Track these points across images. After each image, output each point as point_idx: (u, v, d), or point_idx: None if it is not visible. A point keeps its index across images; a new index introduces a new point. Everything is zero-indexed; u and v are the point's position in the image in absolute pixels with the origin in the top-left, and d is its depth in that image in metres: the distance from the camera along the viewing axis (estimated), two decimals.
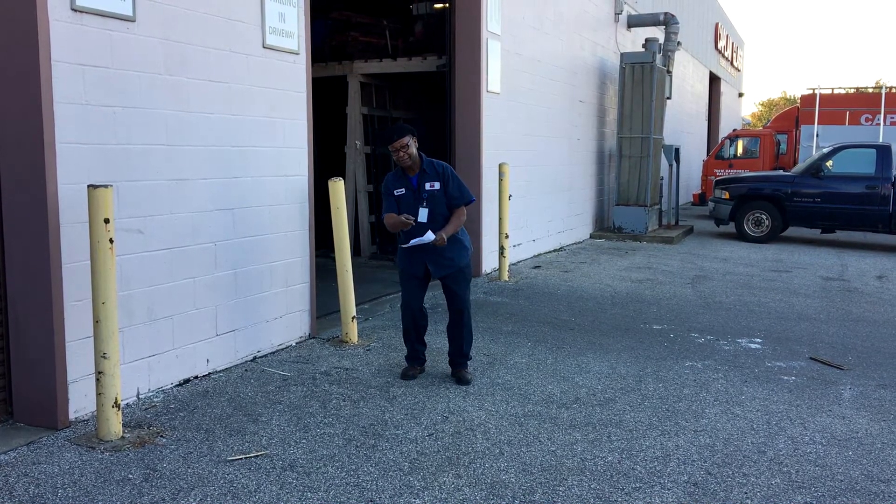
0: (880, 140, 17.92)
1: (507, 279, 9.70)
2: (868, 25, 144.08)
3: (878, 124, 20.36)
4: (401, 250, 5.59)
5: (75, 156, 4.49)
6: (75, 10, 4.45)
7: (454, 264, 5.48)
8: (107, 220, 4.19)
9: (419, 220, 5.35)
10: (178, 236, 5.24)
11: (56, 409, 4.47)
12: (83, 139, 4.53)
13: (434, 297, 8.08)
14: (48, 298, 4.39)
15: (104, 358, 4.26)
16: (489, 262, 10.11)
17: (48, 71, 4.29)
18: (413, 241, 5.30)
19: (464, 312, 5.56)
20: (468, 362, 5.69)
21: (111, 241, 4.22)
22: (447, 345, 5.68)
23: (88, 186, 4.21)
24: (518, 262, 11.16)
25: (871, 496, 3.90)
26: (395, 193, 5.44)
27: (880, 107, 20.49)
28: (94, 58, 4.57)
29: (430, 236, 5.28)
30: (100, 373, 4.27)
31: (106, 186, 4.20)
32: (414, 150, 5.35)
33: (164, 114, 5.07)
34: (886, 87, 21.71)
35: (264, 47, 5.91)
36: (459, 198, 5.47)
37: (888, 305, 8.82)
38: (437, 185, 5.39)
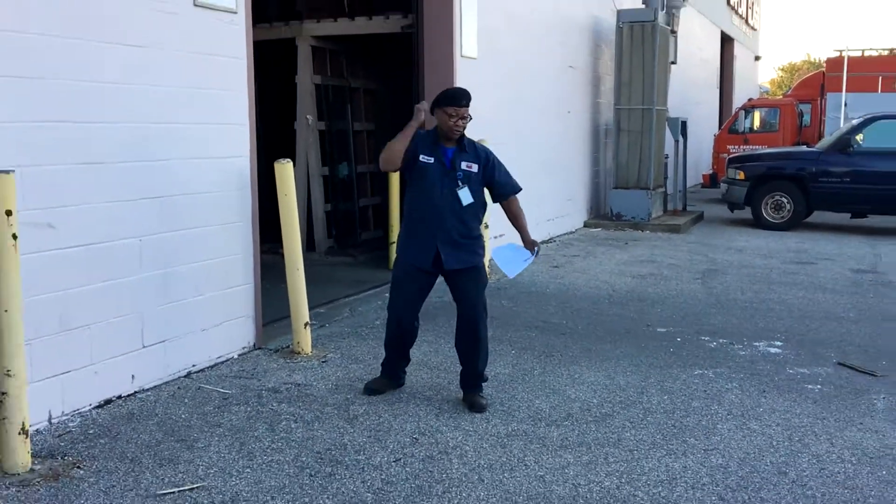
0: None
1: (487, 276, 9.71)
2: None
3: None
4: (405, 237, 5.46)
5: None
6: None
7: (472, 260, 5.38)
8: (9, 212, 4.14)
9: (463, 202, 5.27)
10: (95, 231, 5.19)
11: None
12: None
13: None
14: None
15: (8, 376, 4.21)
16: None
17: None
18: (518, 270, 5.37)
19: (479, 323, 5.38)
20: (483, 385, 5.54)
21: (14, 236, 4.17)
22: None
23: None
24: None
25: None
26: (421, 159, 5.29)
27: None
28: None
29: (527, 254, 5.40)
30: (3, 394, 4.22)
31: (7, 172, 4.16)
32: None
33: (72, 85, 4.99)
34: None
35: (195, 5, 5.86)
36: (508, 186, 5.46)
37: None
38: (474, 168, 5.33)
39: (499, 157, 5.55)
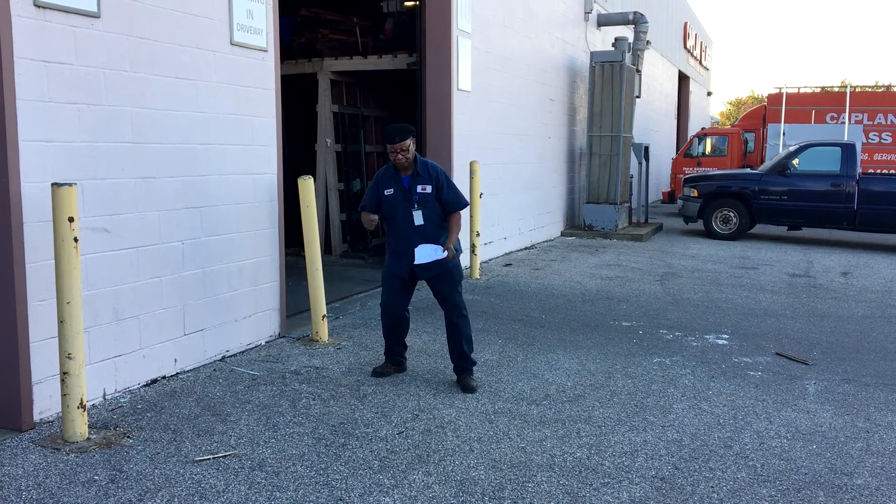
0: (845, 138, 18.21)
1: (478, 277, 9.72)
2: (834, 25, 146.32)
3: (843, 123, 20.68)
4: (387, 251, 5.51)
5: (39, 154, 4.42)
6: (38, 7, 4.38)
7: (441, 265, 5.33)
8: (71, 219, 4.13)
9: (416, 223, 5.26)
10: (144, 235, 5.19)
11: (20, 410, 4.41)
12: (47, 137, 4.47)
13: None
14: (11, 298, 4.33)
15: (69, 358, 4.20)
16: (461, 260, 10.11)
17: (10, 68, 4.23)
18: (424, 260, 5.23)
19: (457, 316, 5.38)
20: (474, 367, 5.51)
21: (76, 239, 4.17)
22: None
23: (52, 185, 4.15)
24: (489, 259, 11.19)
25: (834, 489, 3.97)
26: (385, 193, 5.33)
27: (845, 106, 20.81)
28: (57, 54, 4.51)
29: (439, 252, 5.23)
30: (65, 373, 4.22)
31: (70, 185, 4.15)
32: (412, 152, 5.26)
33: (130, 111, 5.01)
34: (851, 87, 22.06)
35: (232, 44, 5.87)
36: (454, 203, 5.37)
37: (852, 301, 8.98)
38: (429, 189, 5.28)
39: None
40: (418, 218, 5.27)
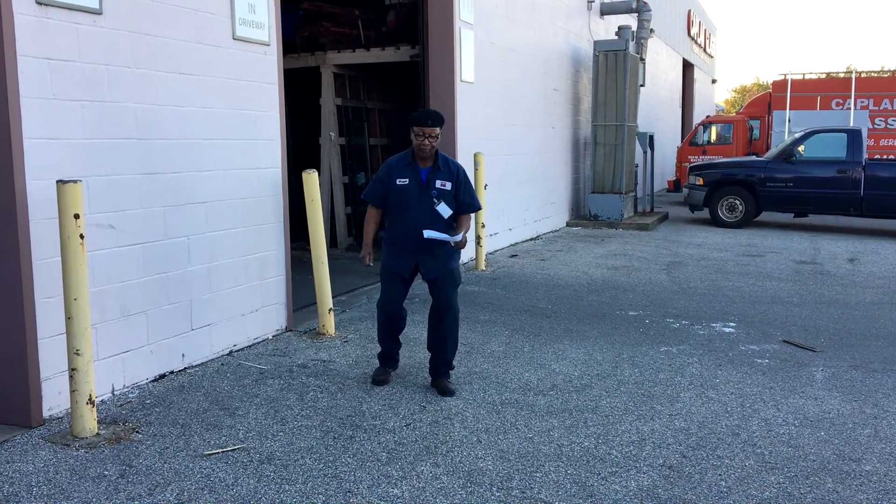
0: (851, 124, 18.13)
1: (484, 268, 9.72)
2: (839, 11, 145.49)
3: (849, 109, 20.57)
4: (387, 247, 5.24)
5: (43, 151, 4.43)
6: (40, 4, 4.38)
7: (446, 266, 5.15)
8: (77, 216, 4.14)
9: (444, 216, 5.03)
10: (150, 231, 5.20)
11: (29, 407, 4.43)
12: (51, 134, 4.48)
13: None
14: (19, 296, 4.34)
15: (77, 354, 4.22)
16: (466, 252, 10.10)
17: (14, 66, 4.23)
18: (433, 234, 4.95)
19: (450, 317, 5.17)
20: (451, 371, 5.30)
21: (82, 236, 4.18)
22: (426, 338, 5.56)
23: (57, 182, 4.16)
24: (495, 251, 11.19)
25: (842, 475, 3.96)
26: (397, 182, 5.06)
27: (850, 91, 20.71)
28: (60, 51, 4.51)
29: (448, 236, 4.99)
30: (73, 369, 4.24)
31: (75, 181, 4.16)
32: (438, 141, 5.05)
33: (133, 107, 5.02)
34: (857, 72, 21.95)
35: (234, 39, 5.86)
36: (469, 205, 5.17)
37: (859, 288, 8.95)
38: (448, 186, 5.05)
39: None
40: (445, 211, 5.03)
